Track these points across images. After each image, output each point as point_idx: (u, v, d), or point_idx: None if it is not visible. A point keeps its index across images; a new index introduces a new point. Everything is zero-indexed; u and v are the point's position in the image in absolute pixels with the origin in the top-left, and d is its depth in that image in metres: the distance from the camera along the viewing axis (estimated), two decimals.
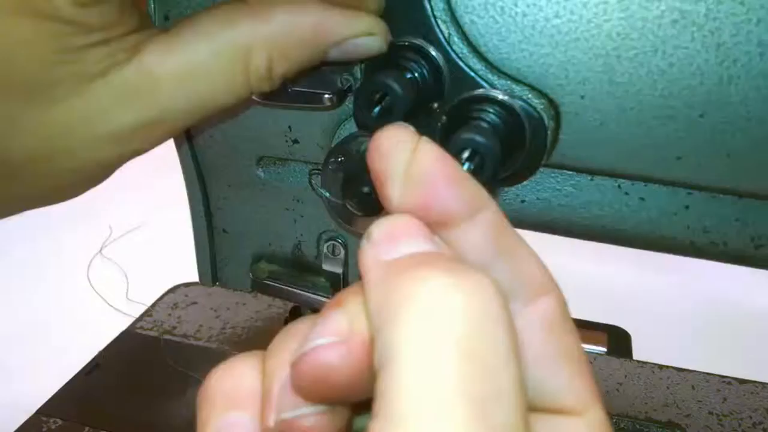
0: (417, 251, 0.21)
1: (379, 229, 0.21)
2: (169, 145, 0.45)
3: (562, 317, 0.23)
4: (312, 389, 0.21)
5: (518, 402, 0.18)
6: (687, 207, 0.37)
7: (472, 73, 0.35)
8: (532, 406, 0.22)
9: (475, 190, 0.22)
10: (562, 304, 0.23)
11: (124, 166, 0.33)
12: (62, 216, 0.92)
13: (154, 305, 0.75)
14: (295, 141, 0.41)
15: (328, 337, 0.21)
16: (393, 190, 0.22)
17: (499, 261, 0.22)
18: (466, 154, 0.30)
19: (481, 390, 0.17)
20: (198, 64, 0.30)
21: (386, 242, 0.21)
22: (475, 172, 0.31)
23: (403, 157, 0.22)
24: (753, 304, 0.78)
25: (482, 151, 0.30)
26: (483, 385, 0.17)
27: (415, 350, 0.18)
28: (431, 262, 0.20)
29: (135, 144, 0.31)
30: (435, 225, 0.22)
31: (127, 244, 0.85)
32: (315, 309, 0.52)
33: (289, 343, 0.23)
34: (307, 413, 0.22)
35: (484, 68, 0.35)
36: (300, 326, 0.24)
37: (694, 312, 0.76)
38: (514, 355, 0.18)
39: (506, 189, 0.39)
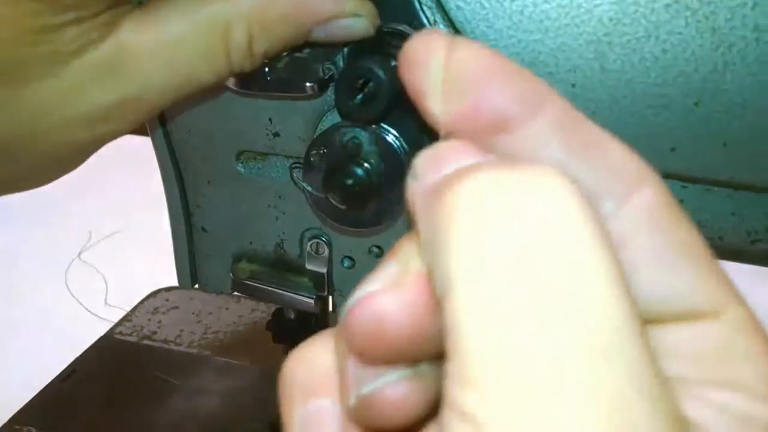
0: (462, 166, 0.18)
1: (422, 159, 0.19)
2: (150, 146, 0.43)
3: (669, 208, 0.19)
4: (371, 346, 0.18)
5: (621, 314, 0.14)
6: (681, 201, 0.36)
7: None
8: (652, 318, 0.18)
9: (531, 81, 0.19)
10: (666, 193, 0.20)
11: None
12: (40, 219, 0.90)
13: (133, 310, 0.73)
14: (276, 134, 0.39)
15: (375, 285, 0.18)
16: (433, 102, 0.19)
17: (578, 159, 0.19)
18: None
19: (554, 306, 0.14)
20: (176, 39, 0.29)
21: (430, 170, 0.18)
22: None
23: (439, 60, 0.19)
24: (747, 301, 0.76)
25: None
26: (558, 300, 0.14)
27: (467, 270, 0.15)
28: (477, 167, 0.17)
29: (112, 124, 0.30)
30: (491, 132, 0.19)
31: (106, 249, 0.83)
32: (298, 311, 0.50)
33: None
34: (389, 381, 0.18)
35: None
36: None
37: None
38: (604, 254, 0.15)
39: None
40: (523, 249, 0.15)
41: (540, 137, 0.19)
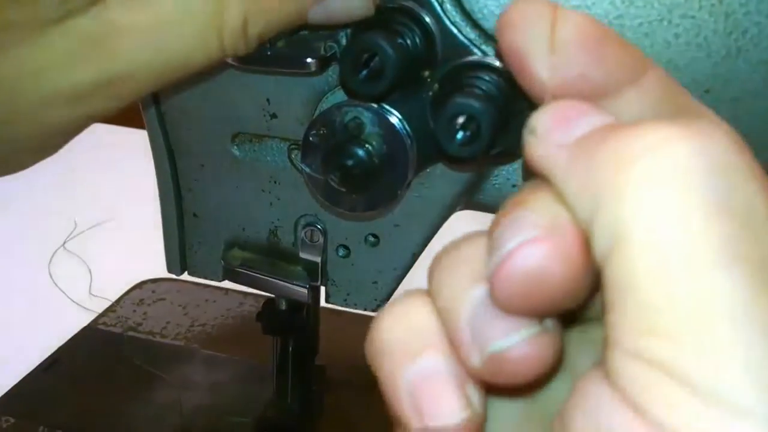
0: (602, 123, 0.18)
1: (543, 117, 0.19)
2: (139, 138, 0.42)
3: None
4: (525, 301, 0.17)
5: None
6: None
7: (467, 42, 0.32)
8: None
9: (633, 49, 0.20)
10: None
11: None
12: (23, 208, 0.88)
13: (118, 301, 0.71)
14: (274, 115, 0.38)
15: (531, 232, 0.17)
16: (539, 65, 0.20)
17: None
18: (460, 120, 0.28)
19: (753, 251, 0.15)
20: (166, 17, 0.27)
21: (559, 127, 0.19)
22: (470, 141, 0.28)
23: (544, 24, 0.20)
24: None
25: (478, 116, 0.28)
26: (754, 246, 0.15)
27: (655, 218, 0.15)
28: (633, 124, 0.17)
29: (96, 104, 0.29)
30: (596, 96, 0.20)
31: (92, 239, 0.81)
32: (291, 301, 0.49)
33: (460, 269, 0.20)
34: (522, 338, 0.18)
35: (478, 37, 0.33)
36: (464, 249, 0.20)
37: None
38: None
39: (495, 172, 0.37)
40: (707, 198, 0.15)
41: (646, 105, 0.20)
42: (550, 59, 0.20)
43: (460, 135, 0.28)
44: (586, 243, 0.17)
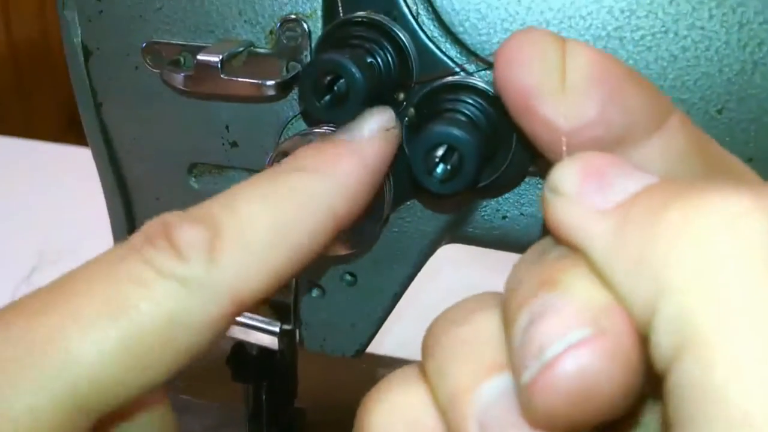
0: (645, 185, 0.15)
1: (569, 173, 0.16)
2: None
3: None
4: (568, 414, 0.14)
5: None
6: None
7: (445, 59, 0.29)
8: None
9: (653, 89, 0.19)
10: None
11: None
12: None
13: None
14: (234, 144, 0.34)
15: (577, 329, 0.14)
16: (549, 108, 0.18)
17: (714, 177, 0.18)
18: (440, 152, 0.24)
19: None
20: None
21: (593, 187, 0.15)
22: (452, 176, 0.24)
23: (552, 59, 0.18)
24: None
25: (461, 147, 0.24)
26: None
27: (745, 314, 0.12)
28: (695, 189, 0.14)
29: None
30: (614, 145, 0.17)
31: (57, 272, 0.77)
32: (260, 347, 0.45)
33: (465, 353, 0.17)
34: None
35: (458, 53, 0.29)
36: (468, 326, 0.17)
37: None
38: None
39: (484, 202, 0.33)
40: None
41: (666, 150, 0.18)
42: (562, 100, 0.17)
43: (440, 169, 0.24)
44: (642, 339, 0.14)
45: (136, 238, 0.22)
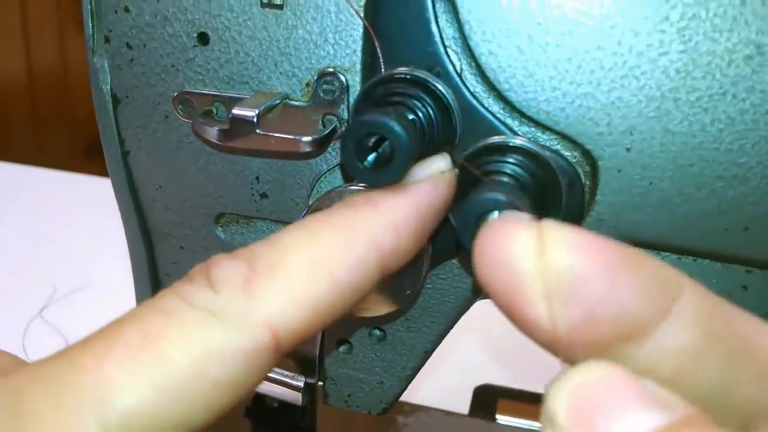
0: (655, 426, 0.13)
1: (567, 405, 0.14)
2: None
3: None
4: None
5: None
6: (745, 288, 0.30)
7: (489, 116, 0.27)
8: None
9: (654, 268, 0.16)
10: None
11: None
12: (0, 270, 0.82)
13: None
14: (264, 195, 0.33)
15: None
16: (538, 312, 0.16)
17: (729, 362, 0.16)
18: (491, 219, 0.23)
19: None
20: None
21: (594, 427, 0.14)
22: None
23: (532, 258, 0.16)
24: None
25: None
26: None
27: None
28: None
29: None
30: (617, 341, 0.15)
31: (71, 306, 0.76)
32: (281, 400, 0.43)
33: None
34: None
35: (502, 110, 0.28)
36: None
37: None
38: None
39: None
40: None
41: (682, 332, 0.15)
42: (551, 302, 0.15)
43: (371, 158, 0.23)
44: None
45: (181, 280, 0.21)
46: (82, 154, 1.82)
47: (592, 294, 0.15)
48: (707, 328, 0.16)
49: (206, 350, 0.19)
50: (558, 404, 0.14)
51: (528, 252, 0.16)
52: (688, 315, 0.16)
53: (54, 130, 2.04)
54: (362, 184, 0.28)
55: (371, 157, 0.24)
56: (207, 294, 0.20)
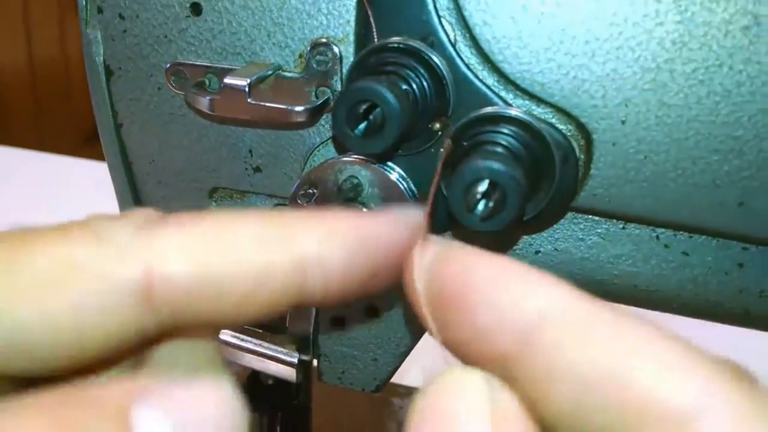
0: None
1: (418, 410, 0.15)
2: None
3: None
4: None
5: None
6: (741, 265, 0.30)
7: (483, 88, 0.27)
8: None
9: (527, 281, 0.16)
10: None
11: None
12: None
13: None
14: (257, 169, 0.33)
15: None
16: (426, 322, 0.17)
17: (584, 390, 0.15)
18: (482, 188, 0.22)
19: None
20: None
21: None
22: (494, 214, 0.23)
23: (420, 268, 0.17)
24: None
25: (504, 183, 0.22)
26: None
27: None
28: None
29: None
30: (496, 364, 0.16)
31: None
32: (276, 377, 0.43)
33: None
34: None
35: (497, 82, 0.28)
36: None
37: None
38: None
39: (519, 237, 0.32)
40: None
41: (560, 361, 0.15)
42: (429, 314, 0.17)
43: (481, 206, 0.22)
44: None
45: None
46: (83, 144, 1.82)
47: (460, 312, 0.17)
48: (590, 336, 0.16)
49: (72, 261, 0.18)
50: (413, 409, 0.15)
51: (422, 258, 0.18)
52: (566, 330, 0.16)
53: (55, 120, 2.04)
54: (354, 156, 0.27)
55: (362, 125, 0.24)
56: (109, 223, 0.19)
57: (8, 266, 0.17)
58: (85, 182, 0.98)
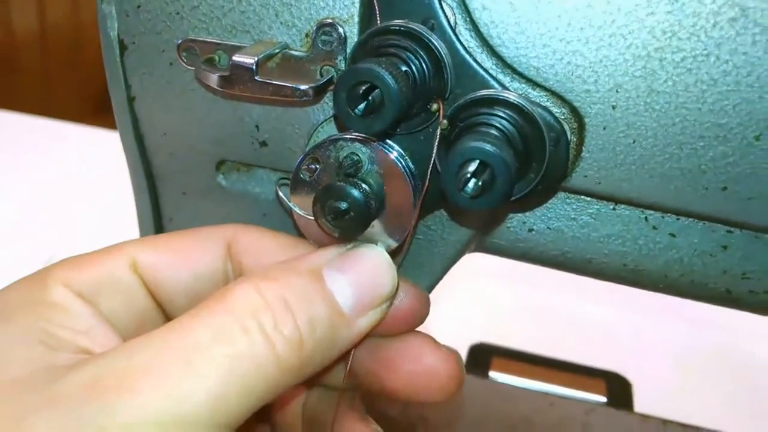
0: None
1: None
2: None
3: None
4: None
5: None
6: (725, 247, 0.31)
7: (481, 71, 0.28)
8: None
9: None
10: None
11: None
12: (8, 216, 0.84)
13: None
14: (263, 143, 0.34)
15: None
16: None
17: None
18: (472, 167, 0.24)
19: None
20: None
21: None
22: (483, 192, 0.24)
23: None
24: (766, 354, 0.72)
25: (493, 164, 0.24)
26: None
27: None
28: None
29: None
30: None
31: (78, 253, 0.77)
32: None
33: None
34: None
35: (495, 65, 0.29)
36: None
37: (700, 360, 0.70)
38: None
39: (511, 215, 0.33)
40: None
41: None
42: None
43: (471, 185, 0.24)
44: None
45: None
46: (91, 112, 1.83)
47: None
48: None
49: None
50: None
51: None
52: None
53: (65, 86, 2.05)
54: (355, 133, 0.29)
55: (362, 105, 0.25)
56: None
57: None
58: (94, 150, 0.99)
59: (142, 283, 0.29)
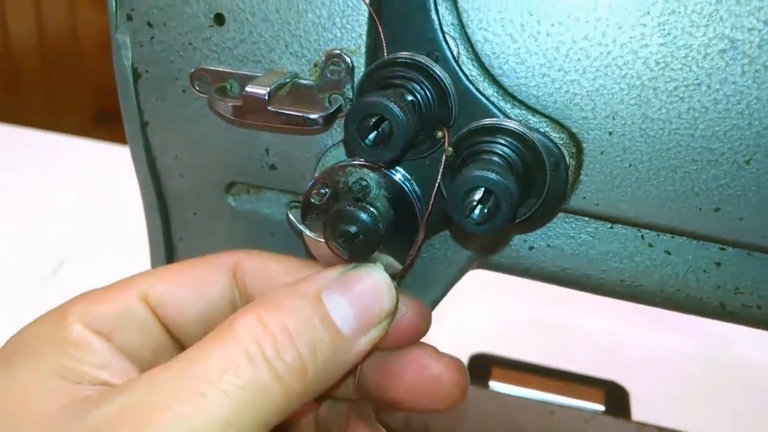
0: None
1: None
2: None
3: None
4: None
5: None
6: (718, 264, 0.33)
7: (483, 99, 0.30)
8: None
9: None
10: None
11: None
12: (12, 228, 0.85)
13: None
14: (273, 167, 0.35)
15: None
16: None
17: None
18: (478, 195, 0.25)
19: None
20: None
21: None
22: (488, 218, 0.25)
23: None
24: (761, 363, 0.73)
25: (498, 191, 0.25)
26: None
27: None
28: None
29: None
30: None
31: (85, 266, 0.79)
32: None
33: None
34: None
35: (496, 93, 0.30)
36: None
37: (697, 370, 0.72)
38: None
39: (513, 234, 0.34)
40: None
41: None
42: None
43: (477, 211, 0.25)
44: None
45: None
46: (92, 122, 1.84)
47: None
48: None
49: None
50: None
51: None
52: None
53: (66, 96, 2.06)
54: (363, 160, 0.30)
55: (372, 135, 0.26)
56: None
57: None
58: (97, 163, 1.00)
59: (155, 316, 0.31)
